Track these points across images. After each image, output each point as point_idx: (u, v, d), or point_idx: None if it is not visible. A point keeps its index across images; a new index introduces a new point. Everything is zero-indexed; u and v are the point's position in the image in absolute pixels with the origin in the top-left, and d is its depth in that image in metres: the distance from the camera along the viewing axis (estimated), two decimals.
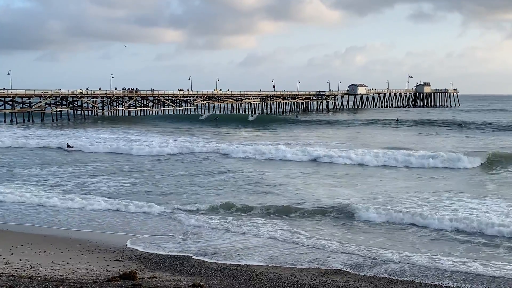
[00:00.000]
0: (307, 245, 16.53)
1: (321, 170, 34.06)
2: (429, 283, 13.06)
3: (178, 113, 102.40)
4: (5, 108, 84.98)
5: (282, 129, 72.45)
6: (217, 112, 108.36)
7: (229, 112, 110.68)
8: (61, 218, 20.63)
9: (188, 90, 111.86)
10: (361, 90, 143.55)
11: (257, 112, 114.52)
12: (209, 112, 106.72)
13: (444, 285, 12.91)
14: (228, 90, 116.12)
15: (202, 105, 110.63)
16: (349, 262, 14.77)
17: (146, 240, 17.38)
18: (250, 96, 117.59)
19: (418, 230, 18.42)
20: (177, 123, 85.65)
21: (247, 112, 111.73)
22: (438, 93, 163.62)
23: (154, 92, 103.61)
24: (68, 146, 46.35)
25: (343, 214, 20.53)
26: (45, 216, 20.93)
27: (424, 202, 22.65)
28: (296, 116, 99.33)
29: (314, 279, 13.17)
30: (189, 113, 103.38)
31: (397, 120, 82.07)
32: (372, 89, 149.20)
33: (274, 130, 71.73)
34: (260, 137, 57.90)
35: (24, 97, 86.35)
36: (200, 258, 15.21)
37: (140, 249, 16.22)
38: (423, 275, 13.67)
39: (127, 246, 16.59)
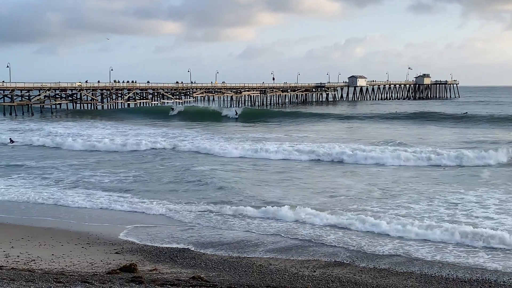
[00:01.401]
0: (308, 239, 16.56)
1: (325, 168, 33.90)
2: (429, 274, 13.09)
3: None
4: (4, 101, 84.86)
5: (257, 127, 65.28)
6: (215, 105, 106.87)
7: (229, 106, 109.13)
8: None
9: (192, 82, 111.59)
10: (360, 82, 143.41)
11: (256, 104, 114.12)
12: (208, 104, 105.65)
13: (444, 276, 12.93)
14: (224, 83, 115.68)
15: (202, 97, 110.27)
16: (347, 254, 14.81)
17: (146, 233, 17.38)
18: (249, 88, 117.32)
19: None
20: (144, 118, 78.35)
21: (246, 105, 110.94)
22: (438, 85, 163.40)
23: (153, 85, 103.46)
24: (11, 141, 46.46)
25: None
26: None
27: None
28: (236, 114, 77.84)
29: (314, 271, 13.18)
30: (162, 106, 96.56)
31: (395, 112, 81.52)
32: (372, 81, 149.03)
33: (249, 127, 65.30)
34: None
35: (23, 90, 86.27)
36: (200, 250, 15.23)
37: (140, 241, 16.23)
38: (423, 266, 13.71)
39: (127, 239, 16.60)
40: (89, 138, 47.01)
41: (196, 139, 47.43)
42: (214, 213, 19.78)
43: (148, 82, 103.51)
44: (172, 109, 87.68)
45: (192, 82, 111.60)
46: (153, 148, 40.74)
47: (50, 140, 46.64)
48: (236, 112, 79.16)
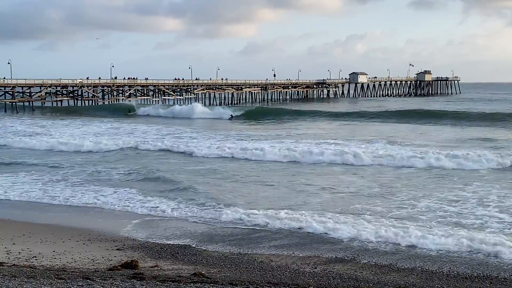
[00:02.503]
0: (309, 236, 16.56)
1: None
2: (431, 270, 13.08)
3: (178, 103, 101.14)
4: (5, 98, 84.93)
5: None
6: (216, 103, 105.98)
7: (230, 103, 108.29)
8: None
9: (197, 79, 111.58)
10: (361, 79, 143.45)
11: (257, 100, 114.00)
12: (204, 103, 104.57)
13: (445, 272, 12.94)
14: (222, 79, 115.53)
15: (203, 94, 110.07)
16: (344, 250, 14.82)
17: (147, 229, 17.40)
18: (250, 84, 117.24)
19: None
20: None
21: (246, 101, 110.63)
22: (439, 81, 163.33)
23: (154, 81, 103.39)
24: None
25: None
26: None
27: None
28: (232, 118, 72.31)
29: (315, 268, 13.19)
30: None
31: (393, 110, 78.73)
32: (373, 78, 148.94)
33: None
34: None
35: (25, 86, 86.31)
36: (201, 247, 15.24)
37: (141, 238, 16.24)
38: (425, 262, 13.70)
39: (128, 235, 16.61)
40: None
41: (189, 137, 46.30)
42: (214, 211, 19.74)
43: (147, 78, 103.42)
44: (130, 110, 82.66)
45: (196, 79, 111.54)
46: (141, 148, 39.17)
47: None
48: (231, 115, 73.30)
